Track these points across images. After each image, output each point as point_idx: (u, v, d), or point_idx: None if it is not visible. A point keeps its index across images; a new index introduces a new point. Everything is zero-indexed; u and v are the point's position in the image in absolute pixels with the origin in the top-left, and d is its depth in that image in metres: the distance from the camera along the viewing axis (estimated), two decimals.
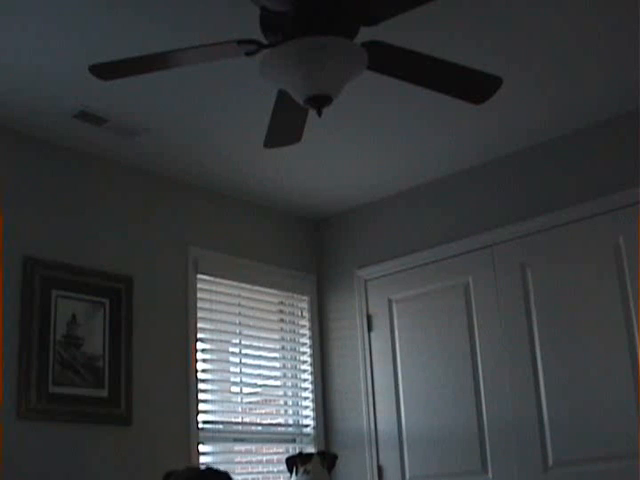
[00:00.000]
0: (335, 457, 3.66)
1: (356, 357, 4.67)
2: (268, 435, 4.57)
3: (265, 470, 4.54)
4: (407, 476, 4.33)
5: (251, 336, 4.62)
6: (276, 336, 4.74)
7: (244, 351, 4.52)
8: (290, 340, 4.82)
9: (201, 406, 4.14)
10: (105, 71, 2.51)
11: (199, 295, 4.29)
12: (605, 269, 3.79)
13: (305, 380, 4.77)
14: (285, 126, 2.89)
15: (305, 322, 4.88)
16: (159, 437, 3.87)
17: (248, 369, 4.51)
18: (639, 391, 3.59)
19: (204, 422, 4.14)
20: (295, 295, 4.86)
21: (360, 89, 3.35)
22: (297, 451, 4.07)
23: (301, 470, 3.53)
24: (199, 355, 4.20)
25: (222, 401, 4.37)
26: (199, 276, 4.31)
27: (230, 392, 4.43)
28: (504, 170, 4.25)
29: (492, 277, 4.19)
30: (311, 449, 4.63)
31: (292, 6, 2.25)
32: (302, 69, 2.28)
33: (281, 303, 4.84)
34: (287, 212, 4.92)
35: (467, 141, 4.07)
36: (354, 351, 4.69)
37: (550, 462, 3.82)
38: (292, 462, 3.62)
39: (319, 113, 2.40)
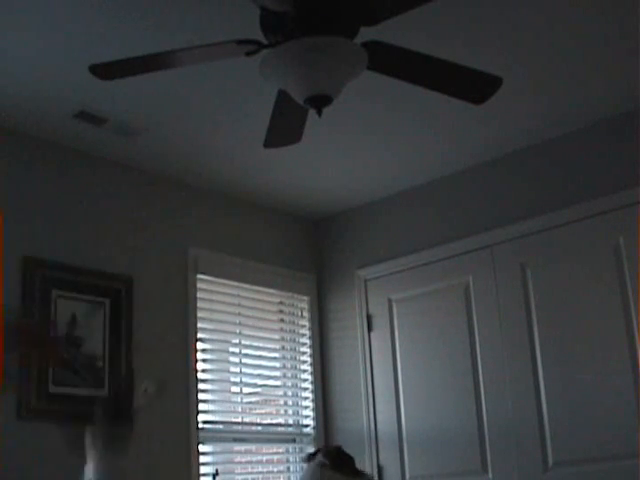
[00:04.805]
0: (345, 457, 3.13)
1: (356, 357, 4.67)
2: (268, 435, 4.57)
3: (265, 470, 4.54)
4: (407, 476, 4.33)
5: (251, 336, 4.62)
6: (276, 336, 4.74)
7: (244, 351, 4.52)
8: (290, 340, 4.82)
9: (201, 406, 4.14)
10: (105, 71, 2.51)
11: (199, 295, 4.29)
12: (605, 269, 3.79)
13: (305, 380, 4.77)
14: (285, 126, 2.89)
15: (305, 322, 4.88)
16: (159, 437, 3.87)
17: (248, 369, 4.51)
18: (639, 391, 3.59)
19: (204, 422, 4.14)
20: (295, 295, 4.86)
21: (360, 89, 3.34)
22: (289, 457, 3.98)
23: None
24: (199, 355, 4.20)
25: (222, 401, 4.37)
26: (199, 276, 4.31)
27: (230, 392, 4.43)
28: (504, 170, 4.25)
29: (492, 277, 4.19)
30: (311, 449, 4.62)
31: (292, 6, 2.25)
32: (302, 69, 2.28)
33: (281, 303, 4.83)
34: (287, 212, 4.92)
35: (467, 141, 4.07)
36: (354, 351, 4.69)
37: (550, 462, 3.82)
38: (308, 460, 3.15)
39: (319, 113, 2.40)
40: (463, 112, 3.65)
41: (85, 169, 3.93)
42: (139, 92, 3.39)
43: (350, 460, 3.18)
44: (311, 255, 5.00)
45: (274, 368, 4.71)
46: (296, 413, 4.74)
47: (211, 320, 4.35)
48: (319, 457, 3.13)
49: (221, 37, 2.85)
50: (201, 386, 4.17)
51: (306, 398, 4.75)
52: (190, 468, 3.96)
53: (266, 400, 4.70)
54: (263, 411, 4.73)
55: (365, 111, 3.68)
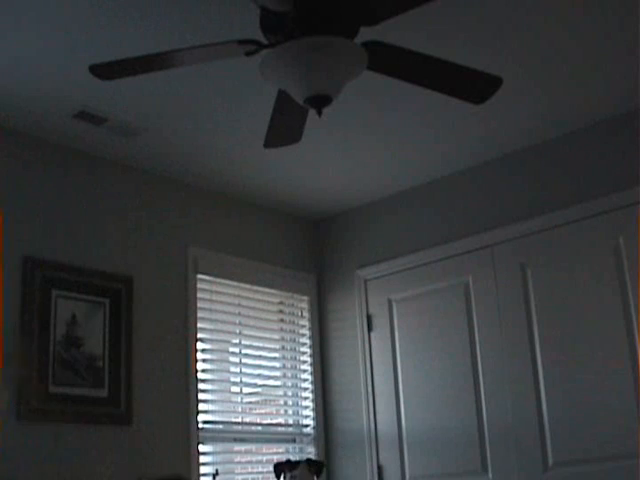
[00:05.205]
0: (322, 465, 3.73)
1: (356, 357, 4.67)
2: (268, 435, 4.57)
3: (265, 470, 4.53)
4: (407, 476, 4.33)
5: (251, 336, 4.62)
6: (276, 336, 4.74)
7: (244, 351, 4.52)
8: (290, 340, 4.82)
9: (201, 406, 4.14)
10: (105, 71, 2.51)
11: (199, 295, 4.29)
12: (605, 269, 3.79)
13: (305, 380, 4.77)
14: (285, 126, 2.89)
15: (305, 322, 4.88)
16: (159, 437, 3.87)
17: (248, 369, 4.51)
18: (639, 391, 3.59)
19: (204, 422, 4.14)
20: (295, 295, 4.86)
21: (360, 89, 3.35)
22: (289, 457, 4.12)
23: (288, 476, 3.59)
24: (199, 355, 4.20)
25: (222, 401, 4.37)
26: (199, 276, 4.31)
27: (230, 392, 4.43)
28: (504, 170, 4.25)
29: (492, 277, 4.19)
30: (311, 449, 4.64)
31: (292, 6, 2.25)
32: (302, 69, 2.28)
33: (281, 303, 4.84)
34: (287, 212, 4.92)
35: (467, 141, 4.07)
36: (354, 351, 4.69)
37: (550, 462, 3.82)
38: (280, 469, 3.66)
39: (319, 113, 2.40)
40: (463, 112, 3.65)
41: (85, 169, 3.93)
42: (139, 92, 3.39)
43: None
44: (311, 255, 5.01)
45: (274, 368, 4.71)
46: (296, 413, 4.74)
47: (211, 320, 4.35)
48: (303, 466, 3.59)
49: (221, 37, 2.86)
50: (201, 386, 4.17)
51: (306, 398, 4.75)
52: (190, 468, 3.96)
53: (266, 400, 4.70)
54: (263, 411, 4.73)
55: (365, 111, 3.68)
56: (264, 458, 4.59)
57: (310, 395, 4.75)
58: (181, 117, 3.65)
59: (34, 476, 3.36)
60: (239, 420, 4.42)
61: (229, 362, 4.44)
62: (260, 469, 4.55)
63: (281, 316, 4.81)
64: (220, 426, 4.26)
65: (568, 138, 4.02)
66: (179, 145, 3.94)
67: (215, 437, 4.21)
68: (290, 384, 4.74)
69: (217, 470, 4.08)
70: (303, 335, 4.85)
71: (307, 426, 4.70)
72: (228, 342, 4.49)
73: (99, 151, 3.95)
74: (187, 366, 4.09)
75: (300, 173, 4.36)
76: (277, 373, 4.72)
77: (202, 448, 4.09)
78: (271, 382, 4.67)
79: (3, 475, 3.23)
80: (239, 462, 4.51)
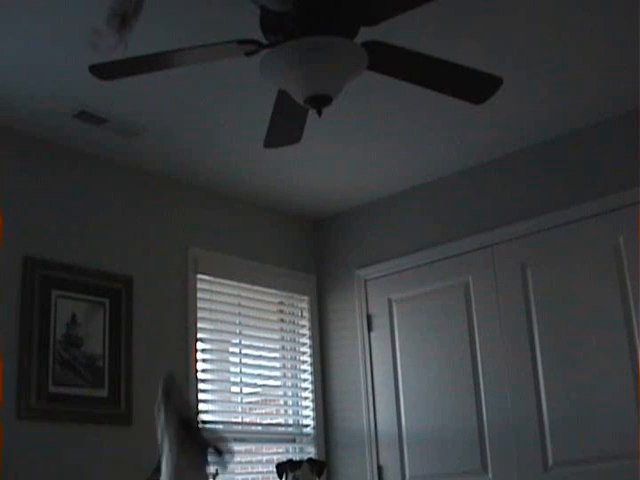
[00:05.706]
0: (324, 464, 3.77)
1: (356, 357, 4.67)
2: (268, 435, 4.57)
3: (265, 470, 4.54)
4: (407, 476, 4.33)
5: (251, 336, 4.62)
6: (276, 336, 4.74)
7: (244, 351, 4.52)
8: (290, 340, 4.82)
9: (201, 406, 4.14)
10: (105, 71, 2.51)
11: (199, 295, 4.29)
12: (605, 269, 3.79)
13: (305, 380, 4.77)
14: (285, 126, 2.89)
15: (305, 322, 4.88)
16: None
17: (248, 369, 4.51)
18: (639, 391, 3.59)
19: (204, 422, 4.14)
20: (295, 295, 4.86)
21: (360, 89, 3.35)
22: (289, 457, 4.15)
23: (290, 476, 3.61)
24: (199, 355, 4.20)
25: (222, 401, 4.37)
26: (199, 276, 4.31)
27: (230, 392, 4.43)
28: (504, 170, 4.24)
29: (492, 277, 4.19)
30: (311, 449, 4.63)
31: (292, 6, 2.25)
32: (302, 69, 2.28)
33: (281, 303, 4.84)
34: (287, 212, 4.92)
35: (467, 141, 4.07)
36: (354, 351, 4.69)
37: (550, 462, 3.82)
38: (282, 468, 3.69)
39: (319, 113, 2.40)
40: (463, 112, 3.65)
41: (85, 169, 3.93)
42: (139, 92, 3.39)
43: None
44: (311, 255, 5.00)
45: (274, 368, 4.71)
46: (296, 413, 4.74)
47: (211, 320, 4.35)
48: (305, 465, 3.63)
49: (221, 37, 2.86)
50: (201, 386, 4.17)
51: (306, 398, 4.75)
52: None
53: (266, 400, 4.70)
54: (263, 411, 4.73)
55: (365, 111, 3.68)
56: (264, 458, 4.59)
57: (310, 395, 4.75)
58: (181, 117, 3.65)
59: (34, 476, 3.36)
60: (239, 420, 4.42)
61: (229, 362, 4.44)
62: (260, 469, 4.55)
63: (281, 316, 4.81)
64: (220, 426, 4.26)
65: (568, 138, 4.02)
66: (179, 145, 3.94)
67: None
68: (290, 384, 4.74)
69: (217, 470, 4.07)
70: (303, 335, 4.85)
71: (307, 426, 4.70)
72: (228, 342, 4.49)
73: (99, 151, 3.95)
74: (187, 366, 4.09)
75: (300, 173, 4.36)
76: (277, 373, 4.72)
77: None
78: (271, 382, 4.67)
79: (3, 475, 3.23)
80: (239, 462, 4.51)
